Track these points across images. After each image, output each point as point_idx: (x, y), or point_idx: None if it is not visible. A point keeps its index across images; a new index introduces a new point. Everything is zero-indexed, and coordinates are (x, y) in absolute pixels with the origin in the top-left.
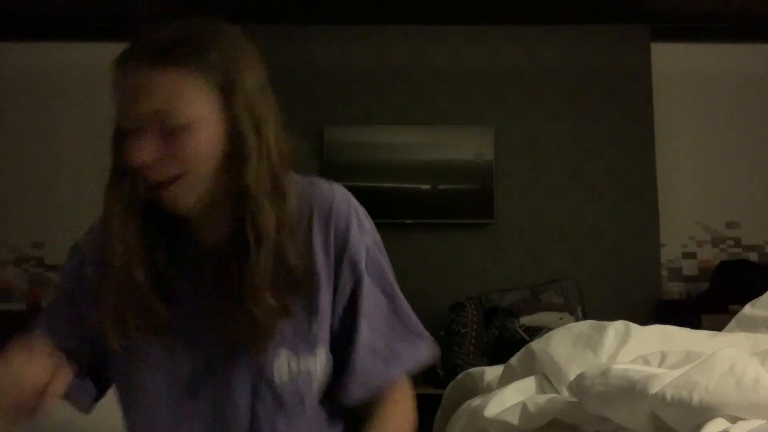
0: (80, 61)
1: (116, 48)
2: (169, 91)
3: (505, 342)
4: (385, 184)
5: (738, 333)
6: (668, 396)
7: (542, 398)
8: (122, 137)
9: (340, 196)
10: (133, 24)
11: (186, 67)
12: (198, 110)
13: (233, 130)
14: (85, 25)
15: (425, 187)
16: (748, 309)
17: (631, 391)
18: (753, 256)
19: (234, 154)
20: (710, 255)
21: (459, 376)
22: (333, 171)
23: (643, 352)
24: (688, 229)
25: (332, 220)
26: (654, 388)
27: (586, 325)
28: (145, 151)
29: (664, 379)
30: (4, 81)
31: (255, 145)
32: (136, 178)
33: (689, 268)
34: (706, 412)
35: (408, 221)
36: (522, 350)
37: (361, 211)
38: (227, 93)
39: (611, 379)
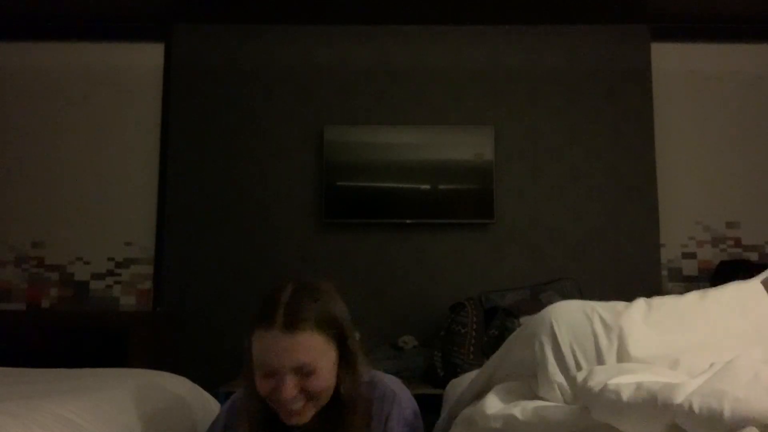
0: (80, 61)
1: (116, 48)
2: (305, 350)
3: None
4: (385, 184)
5: (727, 288)
6: (695, 406)
7: (540, 406)
8: (262, 375)
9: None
10: (133, 24)
11: (312, 330)
12: (324, 357)
13: (343, 357)
14: (85, 25)
15: (425, 187)
16: None
17: (652, 402)
18: (753, 256)
19: (342, 374)
20: (710, 255)
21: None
22: (333, 171)
23: (641, 348)
24: (688, 229)
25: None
26: (678, 398)
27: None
28: (289, 391)
29: (686, 388)
30: (4, 81)
31: (354, 360)
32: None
33: (689, 268)
34: (737, 423)
35: (408, 221)
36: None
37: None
38: (339, 338)
39: (624, 389)
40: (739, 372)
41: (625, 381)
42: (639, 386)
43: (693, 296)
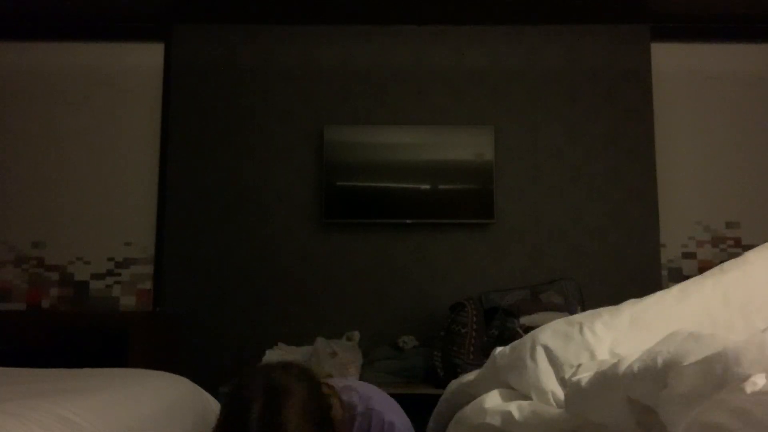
0: (80, 61)
1: (116, 48)
2: None
3: (505, 342)
4: (385, 184)
5: (707, 281)
6: (635, 369)
7: (537, 405)
8: None
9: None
10: (133, 24)
11: None
12: None
13: None
14: (85, 25)
15: (425, 187)
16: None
17: (603, 381)
18: None
19: None
20: (710, 255)
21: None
22: (333, 171)
23: (620, 343)
24: (688, 229)
25: None
26: (621, 369)
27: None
28: None
29: (629, 359)
30: (4, 81)
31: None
32: None
33: (689, 268)
34: (669, 368)
35: (408, 221)
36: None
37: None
38: None
39: (584, 378)
40: (675, 337)
41: (587, 372)
42: (595, 373)
43: (674, 292)
